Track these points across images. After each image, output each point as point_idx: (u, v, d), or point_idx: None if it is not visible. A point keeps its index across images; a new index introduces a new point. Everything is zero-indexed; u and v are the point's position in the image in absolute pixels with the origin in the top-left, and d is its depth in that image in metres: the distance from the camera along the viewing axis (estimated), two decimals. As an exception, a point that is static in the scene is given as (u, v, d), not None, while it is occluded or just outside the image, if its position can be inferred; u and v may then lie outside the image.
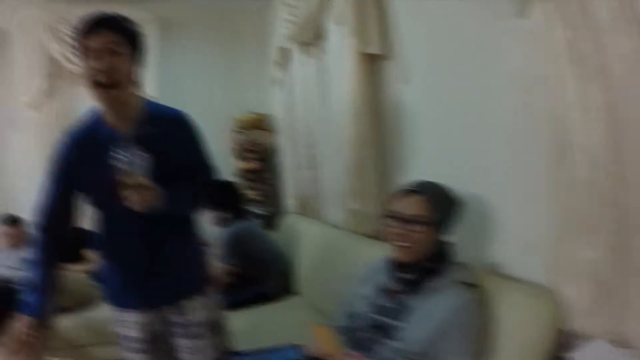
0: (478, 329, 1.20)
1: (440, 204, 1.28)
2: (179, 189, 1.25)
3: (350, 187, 2.06)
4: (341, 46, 2.03)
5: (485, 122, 1.42)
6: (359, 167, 1.99)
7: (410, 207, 1.26)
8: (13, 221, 2.78)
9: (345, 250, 2.04)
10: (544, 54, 1.07)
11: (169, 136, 1.26)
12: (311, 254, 2.38)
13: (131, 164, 1.14)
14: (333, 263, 2.09)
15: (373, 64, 1.97)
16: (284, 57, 2.77)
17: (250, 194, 3.08)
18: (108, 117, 1.26)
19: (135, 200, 1.13)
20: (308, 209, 2.75)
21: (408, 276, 1.27)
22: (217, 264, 2.21)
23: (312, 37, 2.38)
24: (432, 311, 1.20)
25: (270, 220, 3.04)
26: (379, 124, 2.01)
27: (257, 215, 2.97)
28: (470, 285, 1.25)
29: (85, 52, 1.17)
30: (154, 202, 1.16)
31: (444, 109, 1.63)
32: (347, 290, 1.52)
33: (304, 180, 2.70)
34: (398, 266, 1.30)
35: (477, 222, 1.43)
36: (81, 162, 1.28)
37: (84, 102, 2.87)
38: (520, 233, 1.31)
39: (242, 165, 3.09)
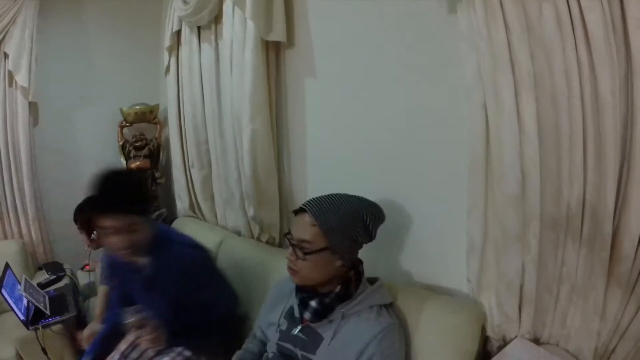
0: (401, 356, 1.08)
1: (335, 225, 1.06)
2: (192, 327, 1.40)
3: (250, 191, 1.83)
4: (240, 32, 1.77)
5: (398, 124, 1.35)
6: (259, 170, 1.77)
7: (299, 230, 1.09)
8: None
9: (253, 259, 1.77)
10: (476, 58, 1.00)
11: (175, 279, 1.31)
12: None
13: (133, 314, 1.33)
14: (240, 274, 1.83)
15: (276, 53, 1.78)
16: (177, 42, 2.38)
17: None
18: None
19: (144, 344, 1.35)
20: (200, 212, 2.46)
21: (313, 304, 1.12)
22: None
23: (206, 20, 2.05)
24: (348, 342, 1.05)
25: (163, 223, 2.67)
26: (282, 120, 1.82)
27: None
28: (389, 306, 1.13)
29: (99, 228, 1.26)
30: (163, 343, 1.36)
31: (352, 106, 1.50)
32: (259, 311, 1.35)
33: (194, 180, 2.39)
34: (303, 291, 1.15)
35: (393, 233, 1.35)
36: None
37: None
38: (443, 245, 1.26)
39: (131, 163, 2.67)
